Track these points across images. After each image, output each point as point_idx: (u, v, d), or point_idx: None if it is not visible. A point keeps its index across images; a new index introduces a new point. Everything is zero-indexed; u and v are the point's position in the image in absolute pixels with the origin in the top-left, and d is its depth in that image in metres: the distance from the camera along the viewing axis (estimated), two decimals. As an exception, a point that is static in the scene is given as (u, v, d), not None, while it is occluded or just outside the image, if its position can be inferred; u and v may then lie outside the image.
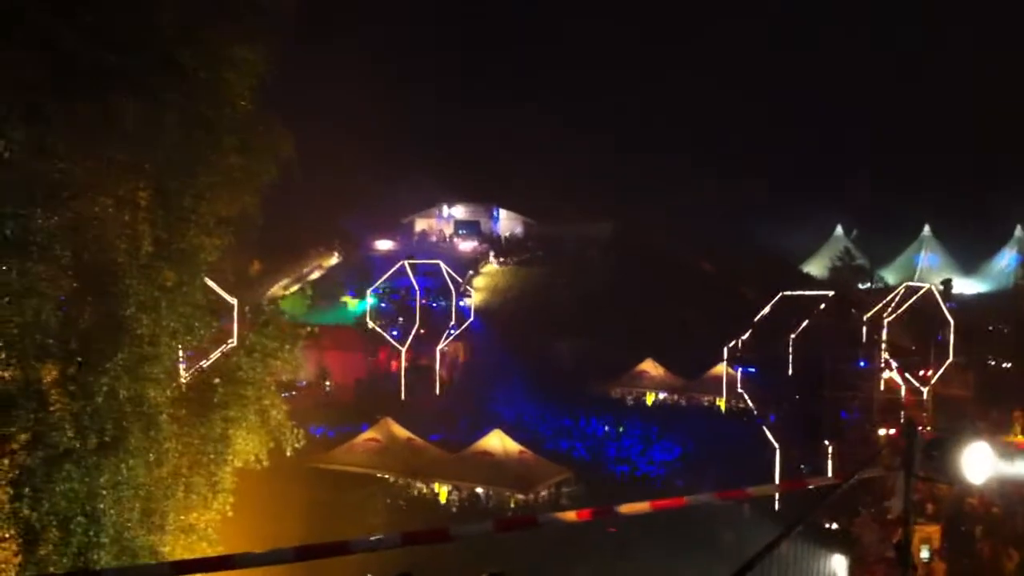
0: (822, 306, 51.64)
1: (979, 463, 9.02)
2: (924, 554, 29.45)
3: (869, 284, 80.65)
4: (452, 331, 59.22)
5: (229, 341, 20.68)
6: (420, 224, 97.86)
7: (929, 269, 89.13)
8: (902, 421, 38.21)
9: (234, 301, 21.12)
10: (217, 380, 19.70)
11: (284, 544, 7.59)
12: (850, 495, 22.61)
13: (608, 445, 47.13)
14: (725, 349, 49.29)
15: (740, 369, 48.96)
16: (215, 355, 20.45)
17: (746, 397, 44.16)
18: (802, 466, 34.45)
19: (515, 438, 39.06)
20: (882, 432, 37.06)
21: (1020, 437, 51.02)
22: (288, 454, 20.70)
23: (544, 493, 37.43)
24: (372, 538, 8.01)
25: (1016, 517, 33.97)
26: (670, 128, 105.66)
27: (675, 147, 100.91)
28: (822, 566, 26.67)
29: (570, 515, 8.44)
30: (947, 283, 73.45)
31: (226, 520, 19.62)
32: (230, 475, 19.50)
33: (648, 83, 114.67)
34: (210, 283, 19.79)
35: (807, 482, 9.74)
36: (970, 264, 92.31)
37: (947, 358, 51.61)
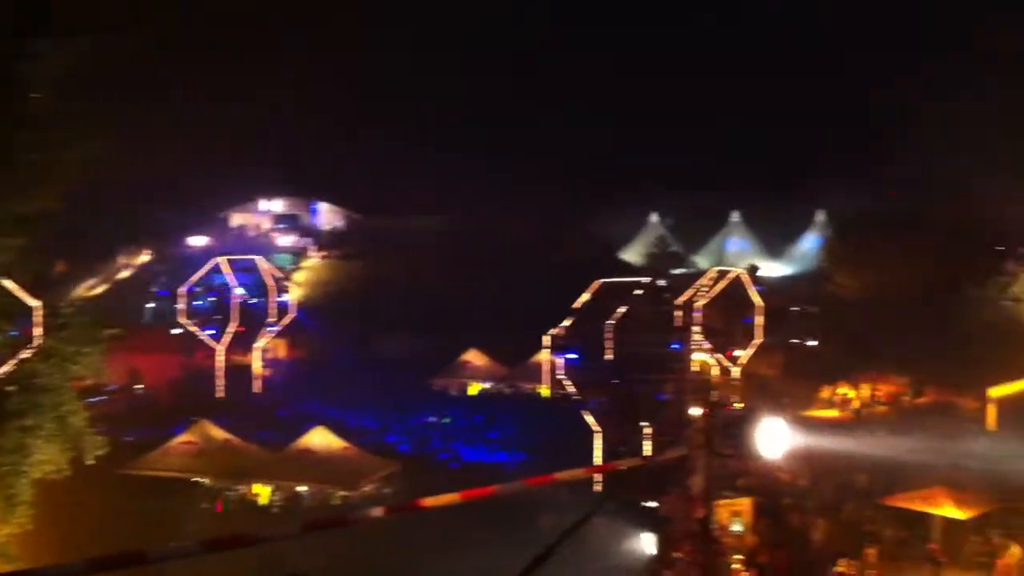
0: (638, 292, 53.18)
1: (776, 438, 9.36)
2: (736, 527, 30.72)
3: (682, 269, 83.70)
4: (272, 328, 57.85)
5: (29, 346, 19.55)
6: (237, 219, 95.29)
7: (738, 254, 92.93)
8: (711, 401, 39.66)
9: (35, 303, 19.94)
10: (12, 388, 18.58)
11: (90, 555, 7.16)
12: (663, 474, 23.29)
13: (433, 437, 47.15)
14: (546, 337, 49.97)
15: (561, 356, 49.78)
16: (10, 362, 19.29)
17: (567, 383, 44.91)
18: (621, 448, 35.27)
19: (339, 434, 38.56)
20: (695, 412, 38.34)
21: (826, 412, 54.01)
22: (90, 462, 19.71)
23: (368, 488, 37.09)
24: (171, 546, 7.68)
25: (822, 488, 35.90)
26: (500, 122, 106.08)
27: (504, 142, 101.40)
28: (634, 543, 27.58)
29: (378, 511, 8.33)
30: (753, 267, 76.83)
31: (32, 534, 18.57)
32: (28, 487, 18.43)
33: (470, 77, 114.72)
34: (8, 284, 18.63)
35: (613, 465, 9.89)
36: (776, 248, 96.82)
37: (756, 339, 53.99)
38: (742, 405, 41.67)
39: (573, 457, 31.80)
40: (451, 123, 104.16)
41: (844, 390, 55.74)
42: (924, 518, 29.74)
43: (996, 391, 47.96)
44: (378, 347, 62.18)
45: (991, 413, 46.85)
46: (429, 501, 7.87)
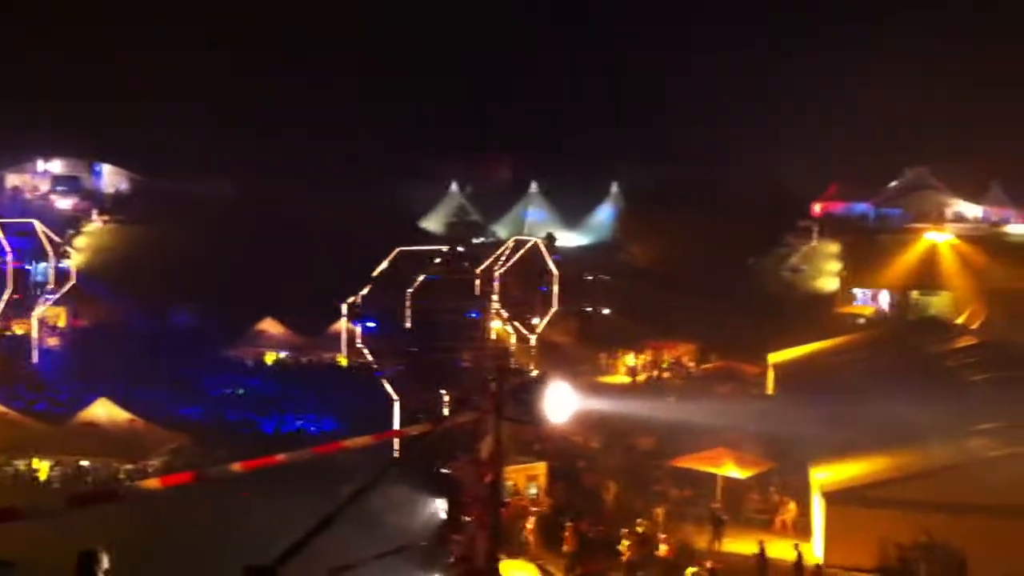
0: (437, 260, 53.19)
1: (562, 403, 9.47)
2: (532, 491, 31.39)
3: (481, 239, 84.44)
4: (50, 295, 54.61)
5: None
6: (12, 180, 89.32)
7: (536, 224, 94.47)
8: (507, 367, 40.19)
9: None
10: None
11: None
12: (457, 439, 23.39)
13: (229, 407, 45.77)
14: (343, 305, 49.32)
15: (360, 324, 49.28)
16: None
17: (365, 351, 44.52)
18: (420, 415, 35.27)
19: (125, 406, 36.85)
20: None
21: (617, 378, 55.79)
22: None
23: (156, 461, 35.65)
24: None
25: (613, 451, 37.08)
26: (294, 90, 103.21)
27: (302, 110, 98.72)
28: (428, 508, 27.76)
29: (153, 483, 7.91)
30: (551, 237, 78.29)
31: None
32: None
33: (272, 35, 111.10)
34: None
35: (403, 431, 9.78)
36: (573, 219, 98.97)
37: (552, 307, 55.13)
38: (537, 372, 42.42)
39: (372, 425, 31.57)
40: (246, 86, 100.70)
41: (635, 356, 57.74)
42: (708, 478, 31.20)
43: (775, 357, 50.88)
44: (167, 315, 59.76)
45: (770, 378, 49.69)
46: (213, 471, 7.52)
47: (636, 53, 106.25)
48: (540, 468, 32.25)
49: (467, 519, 9.93)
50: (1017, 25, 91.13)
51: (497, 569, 9.56)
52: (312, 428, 41.74)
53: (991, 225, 78.93)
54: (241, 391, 48.66)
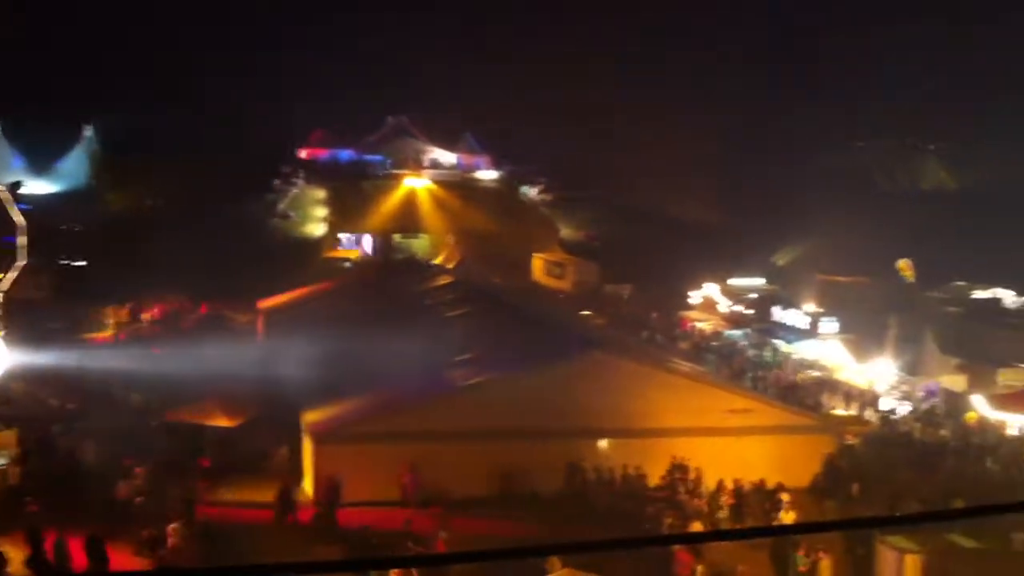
0: None
1: None
2: (1, 460, 28.28)
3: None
4: None
5: None
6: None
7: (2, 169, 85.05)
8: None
9: None
10: None
11: None
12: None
13: None
14: None
15: None
16: None
17: None
18: None
19: None
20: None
21: (101, 332, 52.43)
22: None
23: None
24: None
25: (96, 412, 34.70)
26: None
27: None
28: None
29: None
30: (16, 184, 71.17)
31: None
32: None
33: None
34: None
35: None
36: (42, 165, 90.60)
37: (19, 260, 50.15)
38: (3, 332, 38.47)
39: None
40: None
41: (117, 310, 54.64)
42: (200, 430, 30.35)
43: (265, 303, 50.82)
44: None
45: (261, 324, 49.57)
46: None
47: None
48: (10, 435, 29.22)
49: None
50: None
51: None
52: None
53: (464, 172, 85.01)
54: None
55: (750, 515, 27.86)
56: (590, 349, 33.59)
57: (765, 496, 28.44)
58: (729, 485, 28.61)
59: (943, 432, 37.97)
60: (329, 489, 26.73)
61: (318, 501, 27.06)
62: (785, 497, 27.70)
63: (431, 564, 21.98)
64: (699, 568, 22.71)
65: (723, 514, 27.84)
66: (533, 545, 15.82)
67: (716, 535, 18.41)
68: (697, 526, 25.59)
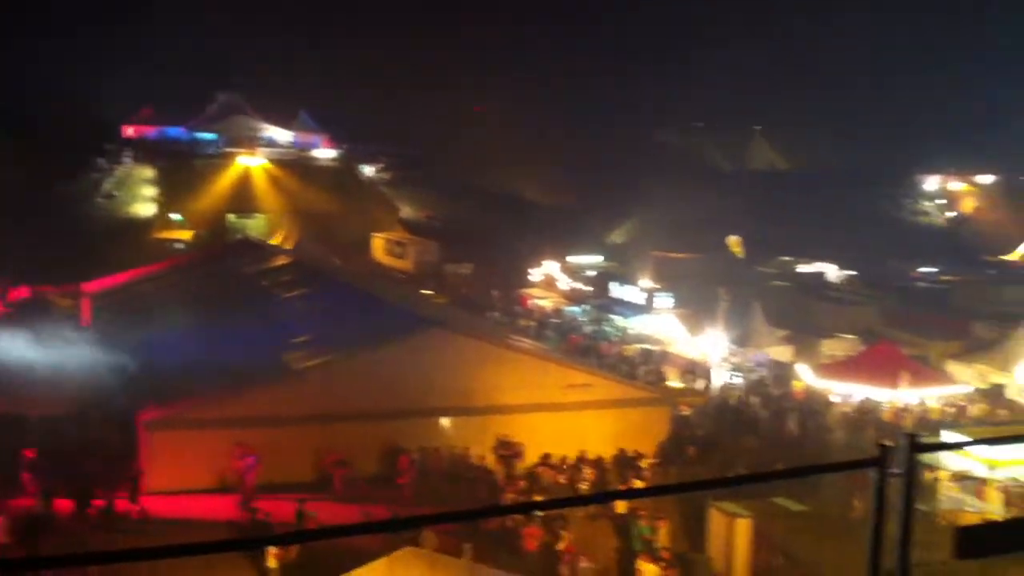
0: None
1: None
2: None
3: None
4: None
5: None
6: None
7: None
8: None
9: None
10: None
11: None
12: None
13: None
14: None
15: None
16: None
17: None
18: None
19: None
20: None
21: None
22: None
23: None
24: None
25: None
26: None
27: None
28: None
29: None
30: None
31: None
32: None
33: None
34: None
35: None
36: None
37: None
38: None
39: None
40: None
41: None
42: (22, 419, 28.79)
43: (91, 286, 48.46)
44: None
45: (87, 308, 47.25)
46: None
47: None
48: None
49: None
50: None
51: None
52: None
53: (300, 150, 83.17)
54: None
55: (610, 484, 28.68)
56: (429, 327, 33.40)
57: (626, 463, 29.38)
58: (569, 459, 29.19)
59: (772, 400, 39.45)
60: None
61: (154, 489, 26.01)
62: (644, 464, 28.86)
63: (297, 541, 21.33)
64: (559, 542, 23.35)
65: (584, 485, 28.36)
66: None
67: (554, 503, 18.67)
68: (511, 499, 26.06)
